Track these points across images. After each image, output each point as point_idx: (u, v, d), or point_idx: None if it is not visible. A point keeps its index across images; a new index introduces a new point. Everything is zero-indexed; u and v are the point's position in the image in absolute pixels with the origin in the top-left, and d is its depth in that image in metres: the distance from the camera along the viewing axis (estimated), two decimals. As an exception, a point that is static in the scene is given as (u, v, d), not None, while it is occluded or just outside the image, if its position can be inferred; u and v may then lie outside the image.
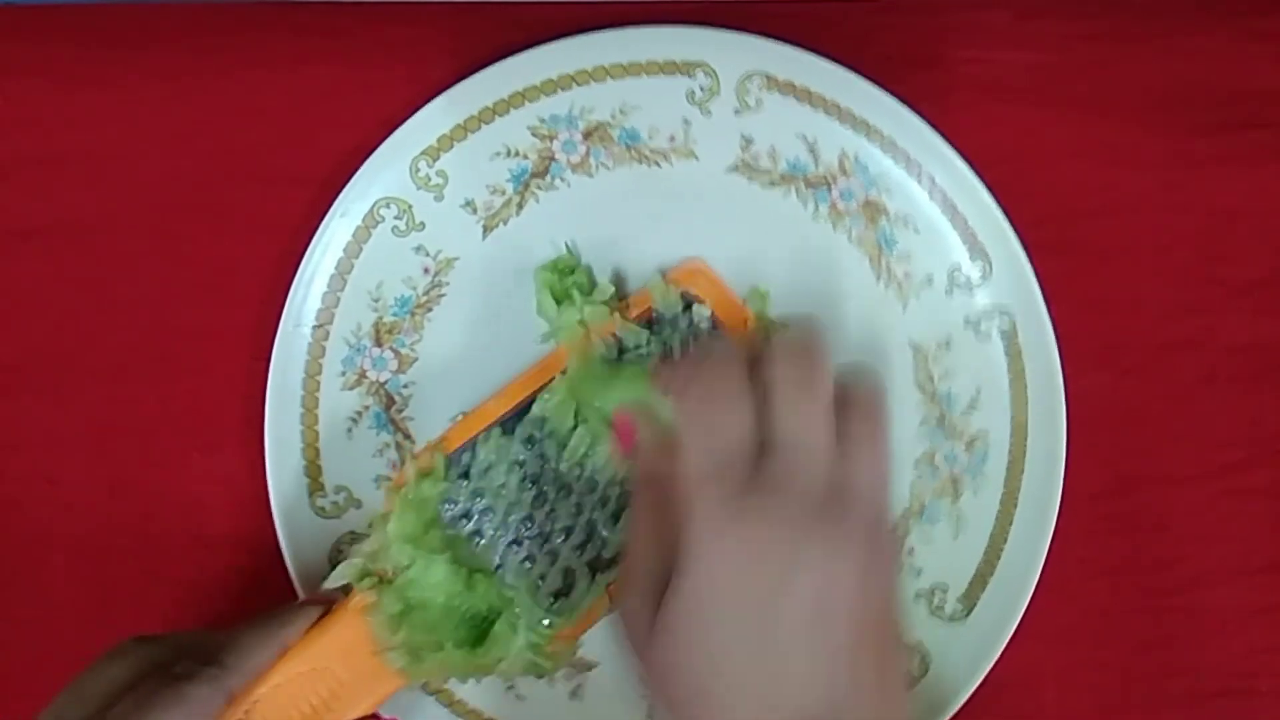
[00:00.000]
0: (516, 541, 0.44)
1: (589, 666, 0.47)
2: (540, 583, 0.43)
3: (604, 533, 0.44)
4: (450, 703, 0.46)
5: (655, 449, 0.39)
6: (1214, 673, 0.49)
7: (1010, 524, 0.46)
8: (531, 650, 0.42)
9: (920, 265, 0.47)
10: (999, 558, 0.46)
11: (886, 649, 0.35)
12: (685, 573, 0.34)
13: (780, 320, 0.46)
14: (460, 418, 0.46)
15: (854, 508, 0.34)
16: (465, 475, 0.44)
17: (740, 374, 0.36)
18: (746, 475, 0.34)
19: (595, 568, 0.44)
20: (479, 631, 0.43)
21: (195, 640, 0.40)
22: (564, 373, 0.44)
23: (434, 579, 0.42)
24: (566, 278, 0.45)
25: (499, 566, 0.43)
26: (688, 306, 0.45)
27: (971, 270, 0.46)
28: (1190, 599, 0.49)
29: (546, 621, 0.43)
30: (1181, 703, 0.49)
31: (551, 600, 0.43)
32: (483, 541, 0.44)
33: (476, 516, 0.44)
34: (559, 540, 0.44)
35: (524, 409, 0.44)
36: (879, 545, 0.35)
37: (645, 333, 0.44)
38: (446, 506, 0.44)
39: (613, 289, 0.45)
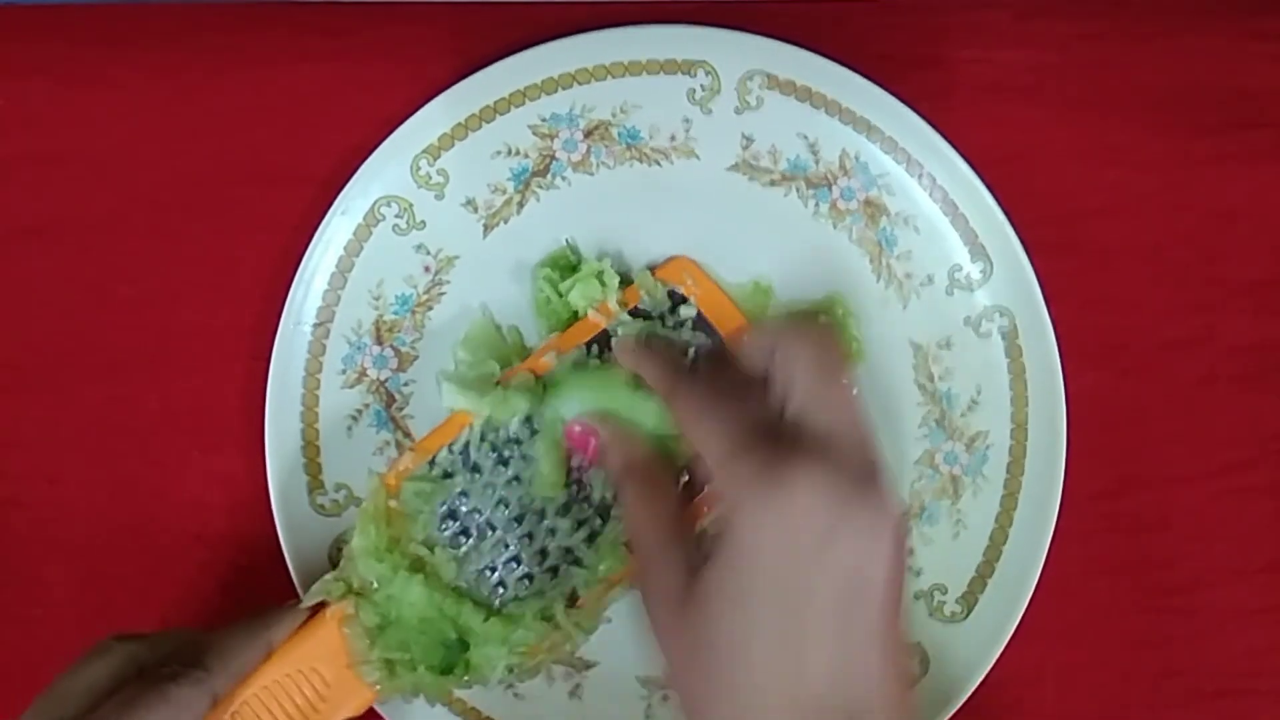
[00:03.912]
0: (504, 544, 0.43)
1: (587, 666, 0.47)
2: (523, 586, 0.43)
3: (570, 545, 0.43)
4: (449, 701, 0.46)
5: (624, 440, 0.40)
6: (1214, 673, 0.49)
7: (1010, 524, 0.46)
8: (505, 673, 0.42)
9: (921, 265, 0.47)
10: (999, 558, 0.46)
11: (902, 644, 0.35)
12: (724, 544, 0.34)
13: (790, 305, 0.46)
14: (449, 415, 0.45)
15: (889, 486, 0.34)
16: (465, 471, 0.44)
17: (734, 365, 0.38)
18: (772, 448, 0.34)
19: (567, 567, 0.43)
20: (451, 657, 0.42)
21: (179, 640, 0.40)
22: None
23: (410, 597, 0.42)
24: (568, 274, 0.45)
25: (488, 568, 0.43)
26: (675, 305, 0.45)
27: (972, 270, 0.46)
28: (1190, 599, 0.49)
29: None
30: (1181, 703, 0.49)
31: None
32: (469, 543, 0.43)
33: (462, 517, 0.43)
34: (536, 546, 0.43)
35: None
36: (906, 530, 0.35)
37: (635, 322, 0.44)
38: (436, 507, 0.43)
39: (604, 267, 0.45)
